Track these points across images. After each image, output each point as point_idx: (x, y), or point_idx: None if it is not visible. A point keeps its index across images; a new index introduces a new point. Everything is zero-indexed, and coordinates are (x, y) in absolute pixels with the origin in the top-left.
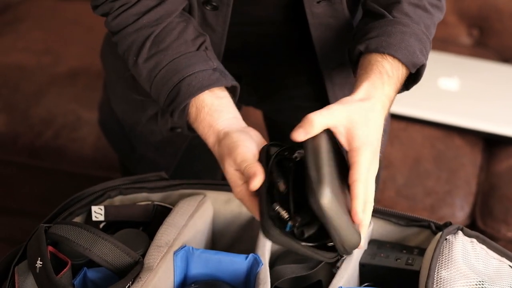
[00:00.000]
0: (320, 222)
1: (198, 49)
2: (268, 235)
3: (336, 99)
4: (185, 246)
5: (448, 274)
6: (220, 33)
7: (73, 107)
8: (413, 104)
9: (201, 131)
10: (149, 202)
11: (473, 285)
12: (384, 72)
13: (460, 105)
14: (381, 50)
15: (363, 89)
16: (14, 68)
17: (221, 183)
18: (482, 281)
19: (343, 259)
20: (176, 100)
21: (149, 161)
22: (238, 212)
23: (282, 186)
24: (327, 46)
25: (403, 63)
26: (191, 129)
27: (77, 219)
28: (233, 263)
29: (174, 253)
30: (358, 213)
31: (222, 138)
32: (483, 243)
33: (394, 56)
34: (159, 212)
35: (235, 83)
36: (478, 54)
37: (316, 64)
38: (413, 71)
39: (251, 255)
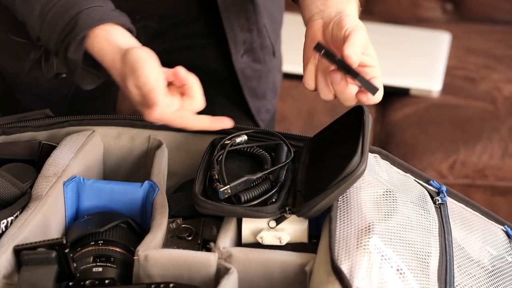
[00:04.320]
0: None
1: None
2: (200, 208)
3: (232, 29)
4: (75, 176)
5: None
6: None
7: None
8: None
9: (98, 48)
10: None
11: (381, 193)
12: None
13: None
14: None
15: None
16: None
17: (110, 118)
18: (390, 190)
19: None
20: (74, 31)
21: None
22: (130, 147)
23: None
24: None
25: None
26: (85, 65)
27: None
28: (127, 192)
29: (64, 184)
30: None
31: (125, 54)
32: (386, 159)
33: None
34: (45, 150)
35: (132, 26)
36: (364, 19)
37: None
38: None
39: (146, 182)
